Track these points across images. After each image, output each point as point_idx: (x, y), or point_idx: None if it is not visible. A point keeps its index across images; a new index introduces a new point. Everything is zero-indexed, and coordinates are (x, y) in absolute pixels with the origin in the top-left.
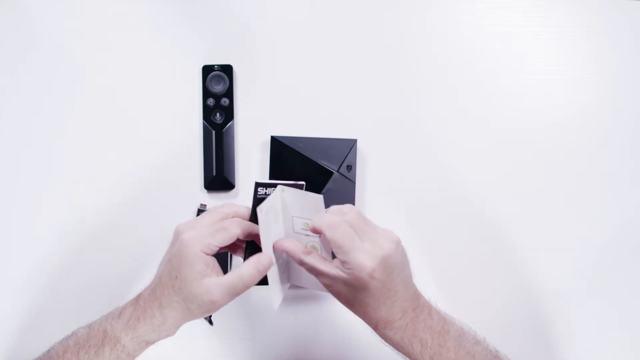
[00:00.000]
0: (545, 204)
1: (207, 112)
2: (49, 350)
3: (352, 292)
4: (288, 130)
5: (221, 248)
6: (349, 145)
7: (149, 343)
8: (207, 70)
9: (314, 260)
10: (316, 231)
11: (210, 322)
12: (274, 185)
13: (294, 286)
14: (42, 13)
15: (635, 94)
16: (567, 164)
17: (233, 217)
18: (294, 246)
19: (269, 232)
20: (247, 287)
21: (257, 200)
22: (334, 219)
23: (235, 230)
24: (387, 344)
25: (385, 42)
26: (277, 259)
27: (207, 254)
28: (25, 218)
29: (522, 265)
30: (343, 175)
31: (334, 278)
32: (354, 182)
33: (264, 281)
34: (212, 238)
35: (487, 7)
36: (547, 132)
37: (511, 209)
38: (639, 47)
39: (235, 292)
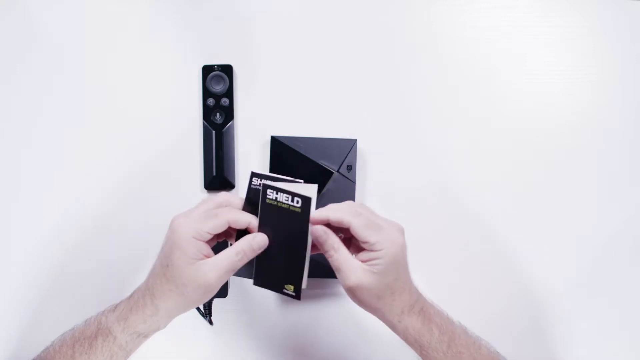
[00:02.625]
0: (545, 204)
1: (207, 112)
2: (47, 347)
3: (383, 279)
4: (288, 130)
5: (218, 238)
6: (349, 145)
7: (140, 335)
8: (207, 70)
9: (344, 252)
10: (322, 222)
11: (211, 322)
12: (270, 177)
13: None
14: (42, 13)
15: (635, 93)
16: (567, 164)
17: (226, 206)
18: (332, 238)
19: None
20: (241, 264)
21: (251, 190)
22: (353, 207)
23: (225, 216)
24: (409, 338)
25: (385, 42)
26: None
27: (199, 240)
28: (25, 218)
29: (522, 265)
30: (343, 175)
31: (370, 266)
32: (354, 182)
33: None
34: (202, 224)
35: (487, 7)
36: (547, 132)
37: (511, 209)
38: (639, 47)
39: (229, 270)
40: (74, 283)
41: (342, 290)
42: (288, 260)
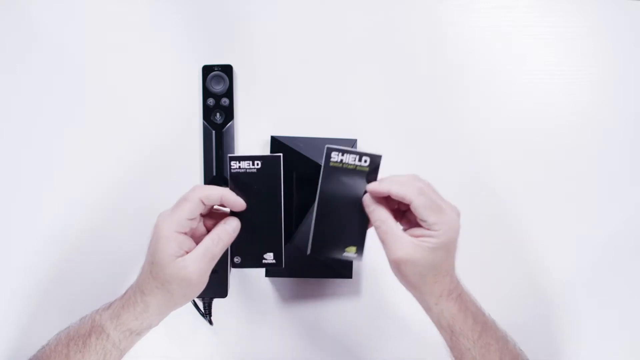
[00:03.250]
0: (545, 204)
1: (207, 112)
2: (43, 346)
3: (431, 258)
4: (288, 130)
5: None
6: (349, 146)
7: (133, 333)
8: (207, 70)
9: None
10: (382, 194)
11: (210, 322)
12: (248, 158)
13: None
14: (42, 13)
15: (635, 94)
16: (567, 164)
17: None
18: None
19: None
20: (219, 250)
21: (232, 175)
22: (417, 184)
23: (196, 195)
24: (442, 322)
25: (385, 42)
26: None
27: (181, 232)
28: (25, 218)
29: (522, 265)
30: None
31: (421, 241)
32: None
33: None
34: (178, 212)
35: (487, 7)
36: (547, 132)
37: (511, 209)
38: (639, 47)
39: (209, 259)
40: (73, 283)
41: (342, 290)
42: (351, 222)
